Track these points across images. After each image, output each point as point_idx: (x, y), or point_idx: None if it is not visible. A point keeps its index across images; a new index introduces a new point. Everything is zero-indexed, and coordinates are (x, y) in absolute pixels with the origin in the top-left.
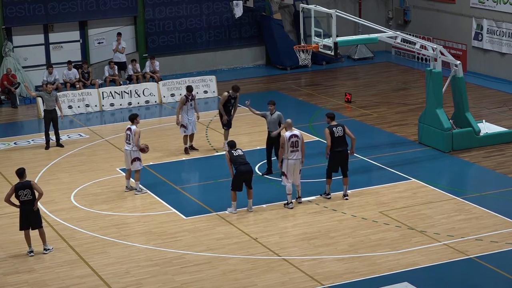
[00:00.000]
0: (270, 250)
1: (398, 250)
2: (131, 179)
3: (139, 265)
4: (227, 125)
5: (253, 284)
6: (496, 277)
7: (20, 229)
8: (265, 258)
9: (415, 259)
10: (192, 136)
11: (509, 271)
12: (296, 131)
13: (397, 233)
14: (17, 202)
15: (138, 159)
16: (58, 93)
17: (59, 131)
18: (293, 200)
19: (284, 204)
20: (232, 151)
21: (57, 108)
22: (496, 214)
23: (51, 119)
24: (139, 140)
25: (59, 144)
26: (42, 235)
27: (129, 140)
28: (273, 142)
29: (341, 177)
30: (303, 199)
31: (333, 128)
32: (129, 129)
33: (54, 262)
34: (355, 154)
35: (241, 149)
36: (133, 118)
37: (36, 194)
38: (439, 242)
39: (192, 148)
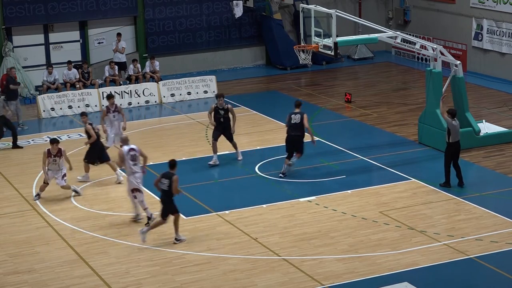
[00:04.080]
0: (270, 250)
1: (398, 250)
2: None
3: (139, 265)
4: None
5: (253, 284)
6: (496, 277)
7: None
8: (265, 258)
9: (415, 259)
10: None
11: (509, 271)
12: (133, 146)
13: (397, 233)
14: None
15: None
16: (58, 93)
17: (57, 132)
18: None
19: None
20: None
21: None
22: (496, 214)
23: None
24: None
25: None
26: (176, 222)
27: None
28: (453, 152)
29: (342, 177)
30: (302, 199)
31: (292, 115)
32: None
33: (54, 262)
34: (353, 154)
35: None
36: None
37: (172, 185)
38: (439, 242)
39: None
